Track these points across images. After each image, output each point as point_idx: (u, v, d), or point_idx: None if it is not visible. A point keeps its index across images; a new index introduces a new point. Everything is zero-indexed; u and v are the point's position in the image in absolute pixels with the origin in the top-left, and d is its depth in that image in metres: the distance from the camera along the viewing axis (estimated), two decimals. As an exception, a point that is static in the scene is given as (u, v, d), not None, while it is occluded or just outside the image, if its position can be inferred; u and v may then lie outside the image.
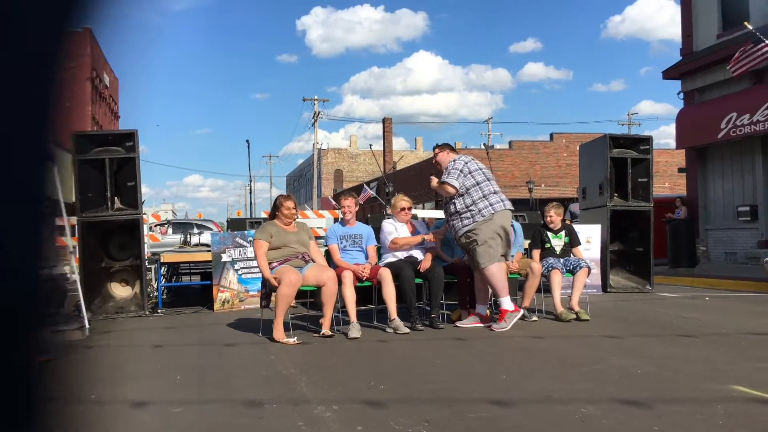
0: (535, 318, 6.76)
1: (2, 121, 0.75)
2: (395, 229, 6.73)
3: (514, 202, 6.97)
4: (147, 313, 8.06)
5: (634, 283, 9.99)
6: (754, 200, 14.46)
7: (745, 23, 12.29)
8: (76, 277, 7.07)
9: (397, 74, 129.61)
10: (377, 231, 6.88)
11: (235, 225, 11.09)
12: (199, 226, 21.74)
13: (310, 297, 6.72)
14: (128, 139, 8.13)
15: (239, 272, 8.54)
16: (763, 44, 11.35)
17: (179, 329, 7.02)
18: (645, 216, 9.94)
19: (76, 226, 7.75)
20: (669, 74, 16.80)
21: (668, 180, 33.43)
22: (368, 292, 6.84)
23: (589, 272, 7.04)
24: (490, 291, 6.42)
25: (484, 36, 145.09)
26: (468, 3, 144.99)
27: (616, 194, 10.05)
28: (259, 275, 6.20)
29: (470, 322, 6.34)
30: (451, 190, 6.26)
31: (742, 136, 14.06)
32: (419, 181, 31.96)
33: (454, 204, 6.27)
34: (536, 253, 7.18)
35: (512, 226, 7.28)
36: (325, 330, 5.87)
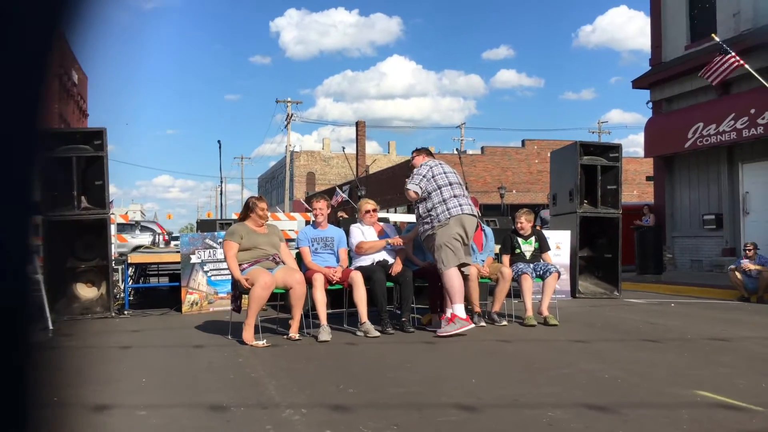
0: (504, 323, 6.80)
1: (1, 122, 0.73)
2: (362, 233, 6.72)
3: (485, 207, 7.03)
4: (113, 314, 7.92)
5: (603, 289, 10.12)
6: (719, 209, 14.76)
7: (713, 35, 12.53)
8: (40, 277, 6.91)
9: (370, 78, 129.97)
10: (349, 234, 6.86)
11: (206, 226, 10.98)
12: (143, 228, 21.47)
13: (280, 300, 6.67)
14: (96, 137, 7.99)
15: (208, 274, 8.44)
16: (729, 55, 11.58)
17: (146, 331, 6.91)
18: (614, 223, 10.08)
19: (40, 226, 7.58)
20: (638, 84, 17.07)
21: (636, 188, 33.97)
22: (339, 295, 6.82)
23: (558, 277, 7.10)
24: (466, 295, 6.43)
25: (458, 42, 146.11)
26: (442, 9, 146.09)
27: (585, 201, 10.18)
28: (229, 277, 6.14)
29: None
30: (411, 195, 6.30)
31: (708, 146, 14.34)
32: (392, 185, 32.00)
33: (418, 208, 6.32)
34: (506, 258, 7.23)
35: (483, 230, 7.34)
36: (293, 334, 5.83)
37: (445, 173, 6.29)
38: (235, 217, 10.57)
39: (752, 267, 9.22)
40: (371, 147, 68.04)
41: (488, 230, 7.51)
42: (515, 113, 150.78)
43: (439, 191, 6.16)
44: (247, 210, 6.18)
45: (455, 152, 29.56)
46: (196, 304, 8.38)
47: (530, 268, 7.01)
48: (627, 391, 3.84)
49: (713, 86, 14.38)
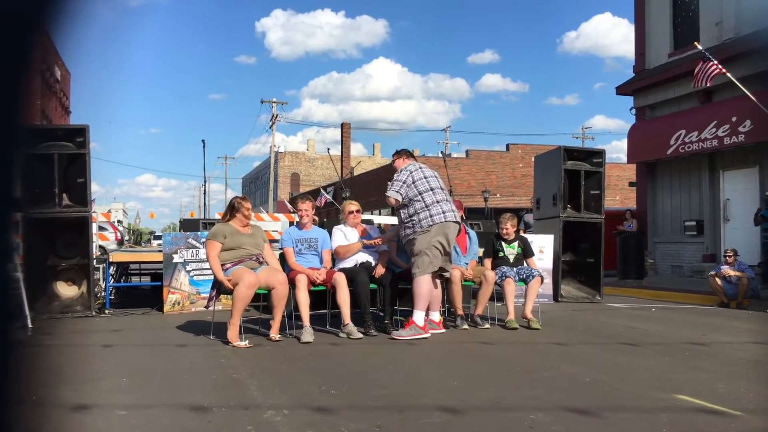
0: (487, 326, 6.82)
1: None
2: (344, 235, 6.71)
3: (469, 210, 7.01)
4: (94, 313, 7.85)
5: (585, 293, 10.18)
6: (700, 215, 14.92)
7: (696, 43, 12.68)
8: (19, 275, 6.83)
9: (356, 80, 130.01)
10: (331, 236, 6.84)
11: (189, 226, 10.91)
12: (99, 228, 21.29)
13: (262, 300, 6.64)
14: (79, 134, 7.92)
15: (191, 274, 8.39)
16: (711, 62, 11.72)
17: (127, 330, 6.85)
18: (596, 228, 10.15)
19: (20, 223, 7.49)
20: (622, 90, 17.22)
21: (619, 193, 34.24)
22: (322, 297, 6.80)
23: (542, 281, 7.13)
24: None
25: (444, 45, 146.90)
26: (428, 12, 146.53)
27: (569, 206, 10.24)
28: (211, 277, 6.10)
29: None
30: (391, 201, 6.25)
31: (690, 153, 14.50)
32: (376, 187, 32.01)
33: (400, 213, 6.27)
34: (488, 261, 7.26)
35: (467, 234, 7.35)
36: (274, 334, 5.81)
37: (425, 178, 6.19)
38: (218, 216, 10.52)
39: (732, 273, 9.32)
40: (356, 149, 68.10)
41: (472, 233, 7.54)
42: (500, 117, 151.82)
43: (420, 197, 6.08)
44: (232, 210, 6.15)
45: (440, 155, 29.68)
46: (178, 303, 8.33)
47: (513, 271, 7.03)
48: (608, 395, 3.86)
49: (696, 94, 14.56)
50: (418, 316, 6.00)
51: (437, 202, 6.09)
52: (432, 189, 6.14)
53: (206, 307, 6.07)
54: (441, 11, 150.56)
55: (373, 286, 6.52)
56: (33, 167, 7.63)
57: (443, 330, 6.39)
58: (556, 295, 9.92)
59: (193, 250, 8.40)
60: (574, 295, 10.13)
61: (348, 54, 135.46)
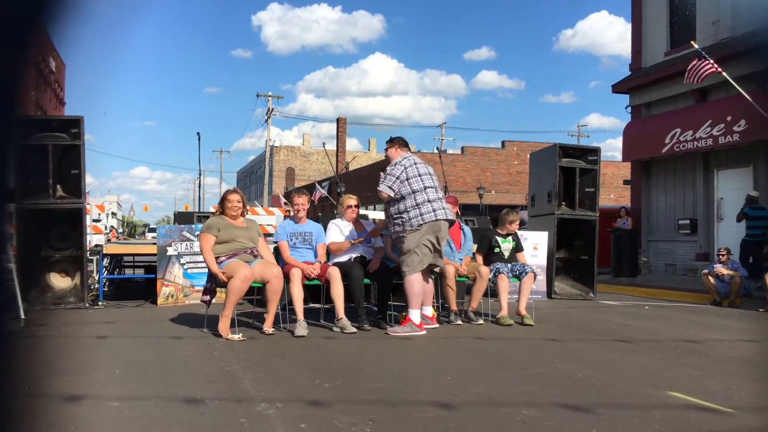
0: (481, 321, 6.83)
1: None
2: (339, 230, 6.71)
3: (464, 207, 6.98)
4: (87, 305, 7.83)
5: (578, 290, 10.21)
6: (694, 214, 14.98)
7: (692, 42, 12.71)
8: (12, 266, 6.80)
9: (352, 75, 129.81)
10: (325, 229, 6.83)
11: (183, 219, 10.89)
12: None
13: (257, 294, 6.64)
14: (73, 125, 7.89)
15: (185, 266, 8.37)
16: (707, 61, 11.76)
17: (120, 323, 6.83)
18: (591, 225, 10.17)
19: (14, 214, 7.46)
20: (618, 88, 17.24)
21: (614, 191, 34.36)
22: (316, 291, 6.80)
23: (535, 278, 7.15)
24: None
25: (440, 42, 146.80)
26: (425, 8, 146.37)
27: (563, 203, 10.25)
28: (205, 270, 6.09)
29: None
30: (383, 195, 6.19)
31: (685, 152, 14.54)
32: (372, 182, 31.98)
33: (389, 208, 6.22)
34: (480, 257, 7.27)
35: (462, 230, 7.36)
36: (267, 328, 5.81)
37: (419, 176, 6.10)
38: (213, 209, 10.51)
39: (725, 272, 9.36)
40: (352, 144, 68.09)
41: (467, 229, 7.54)
42: (495, 114, 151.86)
43: (412, 195, 6.02)
44: (223, 203, 6.16)
45: (435, 151, 29.66)
46: (172, 296, 8.31)
47: (507, 267, 7.05)
48: (601, 391, 3.87)
49: (691, 93, 14.60)
50: (414, 315, 6.00)
51: (428, 201, 6.03)
52: (425, 188, 6.07)
53: (205, 304, 6.04)
54: (437, 7, 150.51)
55: (367, 280, 6.52)
56: (27, 158, 7.59)
57: (436, 325, 6.40)
58: (550, 292, 9.94)
59: (188, 243, 8.38)
60: (568, 292, 10.16)
61: (344, 49, 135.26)
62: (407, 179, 6.07)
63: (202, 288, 7.88)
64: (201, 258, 6.28)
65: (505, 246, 7.27)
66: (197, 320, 6.41)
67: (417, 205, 6.00)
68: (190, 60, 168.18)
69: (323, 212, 24.86)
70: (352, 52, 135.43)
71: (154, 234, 12.27)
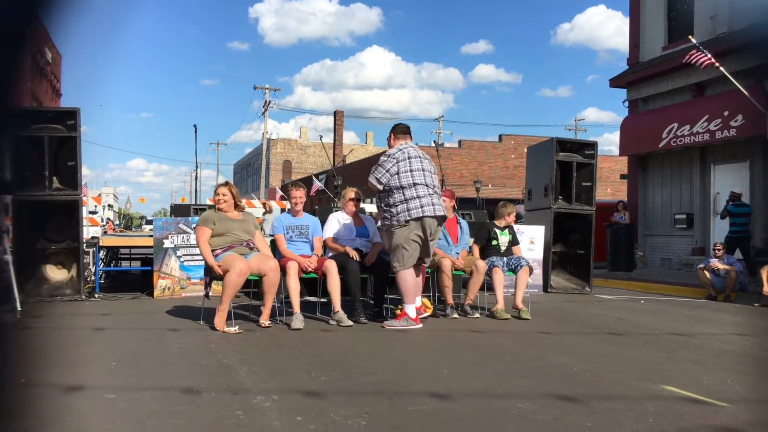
0: (477, 315, 6.84)
1: None
2: (339, 223, 6.71)
3: (461, 200, 6.94)
4: (83, 297, 7.83)
5: (574, 284, 10.24)
6: (690, 209, 15.00)
7: (690, 37, 12.70)
8: (9, 257, 6.79)
9: (349, 68, 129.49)
10: (324, 223, 6.83)
11: (179, 211, 10.87)
12: None
13: (253, 287, 6.64)
14: (69, 117, 7.86)
15: (181, 259, 8.37)
16: (705, 55, 11.76)
17: (116, 315, 6.83)
18: (587, 219, 10.19)
19: (10, 205, 7.44)
20: (615, 82, 17.23)
21: (610, 186, 34.38)
22: (313, 284, 6.80)
23: (531, 271, 7.17)
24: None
25: (437, 35, 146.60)
26: (422, 1, 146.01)
27: (560, 197, 10.26)
28: (202, 263, 6.09)
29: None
30: (372, 187, 6.18)
31: (682, 147, 14.55)
32: (368, 176, 31.94)
33: (380, 198, 6.22)
34: (477, 248, 7.29)
35: (458, 223, 7.36)
36: (264, 321, 5.81)
37: (410, 171, 6.00)
38: (209, 202, 10.49)
39: (721, 266, 9.39)
40: (349, 137, 68.01)
41: (464, 223, 7.54)
42: (493, 108, 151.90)
43: (401, 190, 5.98)
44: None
45: (433, 145, 29.66)
46: (168, 289, 8.31)
47: (502, 261, 7.07)
48: (595, 384, 3.89)
49: (688, 88, 14.61)
50: (410, 309, 6.01)
51: (417, 197, 5.95)
52: (415, 184, 5.98)
53: (206, 296, 6.04)
54: (435, 0, 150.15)
55: (363, 274, 6.52)
56: (23, 150, 7.57)
57: (426, 314, 6.43)
58: (546, 286, 9.96)
59: (184, 236, 8.37)
60: (564, 286, 10.19)
61: (341, 42, 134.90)
62: (398, 173, 6.01)
63: (198, 281, 7.90)
64: (197, 250, 6.29)
65: (503, 239, 7.30)
66: (194, 312, 6.41)
67: (405, 200, 5.96)
68: (187, 52, 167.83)
69: (320, 205, 24.84)
70: (349, 45, 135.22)
71: (152, 226, 12.25)
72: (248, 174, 71.67)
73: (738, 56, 12.40)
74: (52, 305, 7.38)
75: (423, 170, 6.09)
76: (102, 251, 9.47)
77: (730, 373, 4.35)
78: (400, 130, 6.43)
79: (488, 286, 7.23)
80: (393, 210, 6.02)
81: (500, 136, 37.56)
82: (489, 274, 6.98)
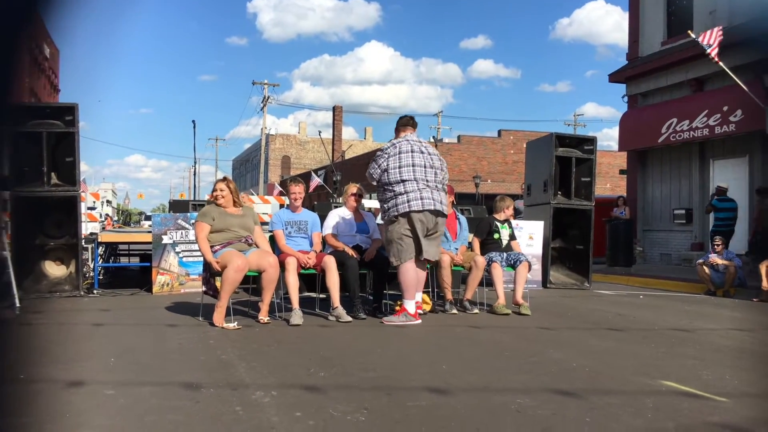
0: (476, 310, 6.84)
1: None
2: (339, 218, 6.71)
3: (460, 196, 6.91)
4: (82, 293, 7.83)
5: (573, 279, 10.24)
6: (689, 204, 15.00)
7: (689, 32, 12.68)
8: (7, 254, 6.78)
9: (348, 63, 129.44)
10: (323, 219, 6.83)
11: (178, 207, 10.87)
12: None
13: (252, 282, 6.64)
14: (68, 113, 7.84)
15: (180, 255, 8.36)
16: (707, 51, 11.76)
17: (115, 311, 6.83)
18: (586, 215, 10.18)
19: (9, 201, 7.43)
20: (615, 77, 17.21)
21: (609, 181, 34.39)
22: (312, 280, 6.80)
23: (529, 267, 7.17)
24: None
25: (436, 30, 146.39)
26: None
27: (559, 192, 10.26)
28: (201, 258, 6.09)
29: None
30: (369, 179, 6.24)
31: (681, 142, 14.55)
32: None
33: (378, 194, 6.27)
34: (477, 242, 7.29)
35: (457, 219, 7.35)
36: (262, 317, 5.81)
37: (399, 168, 5.97)
38: (208, 198, 10.48)
39: (720, 262, 9.40)
40: (348, 132, 67.83)
41: (462, 219, 7.54)
42: (492, 103, 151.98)
43: (391, 186, 6.01)
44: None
45: (432, 140, 29.63)
46: (167, 284, 8.30)
47: (501, 257, 7.07)
48: (594, 380, 3.89)
49: (687, 83, 14.60)
50: (409, 305, 6.01)
51: (405, 192, 5.94)
52: (403, 180, 5.95)
53: (205, 293, 6.04)
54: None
55: (362, 270, 6.52)
56: (21, 145, 7.55)
57: (421, 310, 6.45)
58: (545, 282, 9.96)
59: (183, 231, 8.36)
60: (563, 281, 10.19)
61: (340, 37, 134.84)
62: (387, 169, 6.03)
63: (197, 276, 7.90)
64: (196, 246, 6.27)
65: (504, 232, 7.31)
66: (193, 308, 6.41)
67: (395, 195, 5.99)
68: (186, 47, 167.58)
69: (319, 201, 24.84)
70: (347, 40, 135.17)
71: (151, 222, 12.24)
72: (247, 170, 71.62)
73: (737, 51, 12.38)
74: (50, 301, 7.38)
75: (413, 165, 6.02)
76: (101, 247, 9.46)
77: (729, 368, 4.35)
78: (401, 122, 6.42)
79: (487, 282, 7.23)
80: (385, 206, 6.10)
81: (499, 132, 37.54)
82: (488, 269, 6.98)
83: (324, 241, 6.61)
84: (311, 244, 6.49)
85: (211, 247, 5.78)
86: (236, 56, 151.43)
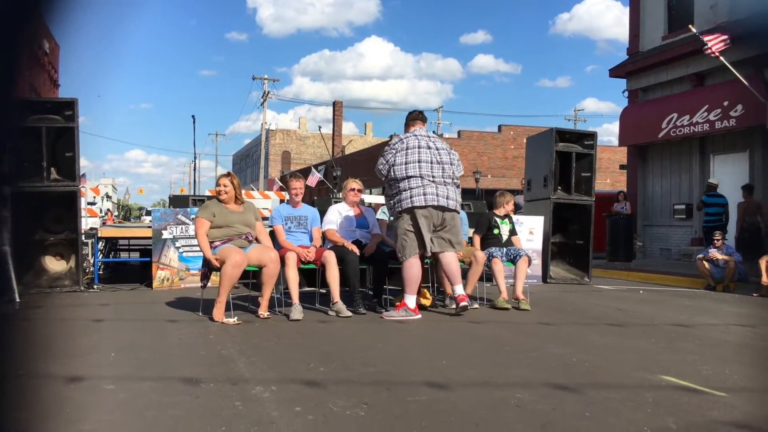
0: (476, 306, 6.84)
1: None
2: (339, 214, 6.70)
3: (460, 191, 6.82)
4: (82, 288, 7.83)
5: (573, 275, 10.24)
6: (689, 199, 14.99)
7: (690, 26, 12.65)
8: (8, 249, 6.78)
9: (348, 58, 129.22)
10: (323, 214, 6.83)
11: (178, 202, 10.86)
12: None
13: (252, 278, 6.64)
14: (67, 108, 7.83)
15: (180, 250, 8.36)
16: (706, 47, 11.73)
17: (115, 306, 6.83)
18: (586, 210, 10.18)
19: (9, 197, 7.42)
20: (615, 72, 17.18)
21: (610, 176, 34.36)
22: (312, 275, 6.80)
23: (529, 262, 7.17)
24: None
25: (436, 25, 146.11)
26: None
27: (559, 187, 10.25)
28: (201, 254, 6.09)
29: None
30: (377, 174, 6.30)
31: (682, 137, 14.53)
32: (368, 166, 31.90)
33: (385, 189, 6.32)
34: (477, 238, 7.29)
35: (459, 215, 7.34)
36: (262, 312, 5.81)
37: (405, 164, 5.98)
38: (209, 193, 10.47)
39: (719, 257, 9.39)
40: (348, 128, 67.85)
41: (462, 214, 7.52)
42: (492, 98, 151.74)
43: (396, 183, 6.05)
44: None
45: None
46: (167, 280, 8.31)
47: (501, 252, 7.07)
48: (594, 374, 3.90)
49: (688, 78, 14.57)
50: (409, 300, 6.01)
51: (409, 188, 5.96)
52: (408, 177, 5.96)
53: (202, 287, 6.05)
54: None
55: (363, 265, 6.52)
56: (21, 140, 7.53)
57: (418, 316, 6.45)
58: (545, 277, 9.97)
59: (183, 227, 8.36)
60: (563, 276, 10.19)
61: (340, 32, 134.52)
62: (393, 165, 6.06)
63: (197, 272, 7.90)
64: (196, 241, 6.27)
65: (504, 228, 7.31)
66: (193, 304, 6.41)
67: (400, 191, 6.02)
68: (185, 42, 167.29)
69: (319, 196, 24.83)
70: (347, 36, 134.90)
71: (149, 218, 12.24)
72: (247, 165, 71.57)
73: (738, 46, 12.35)
74: (50, 296, 7.38)
75: (419, 162, 6.02)
76: (101, 242, 9.46)
77: (729, 363, 4.36)
78: (411, 117, 6.45)
79: (487, 277, 7.23)
80: (390, 202, 6.15)
81: (499, 127, 37.48)
82: (488, 264, 6.98)
83: (324, 237, 6.61)
84: (311, 239, 6.49)
85: (211, 243, 5.78)
86: (236, 51, 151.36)
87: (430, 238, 6.03)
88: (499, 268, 6.91)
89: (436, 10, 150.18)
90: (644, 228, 16.25)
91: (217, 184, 6.10)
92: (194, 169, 40.94)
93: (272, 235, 6.49)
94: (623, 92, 17.08)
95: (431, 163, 6.08)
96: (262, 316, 5.77)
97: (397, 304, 6.15)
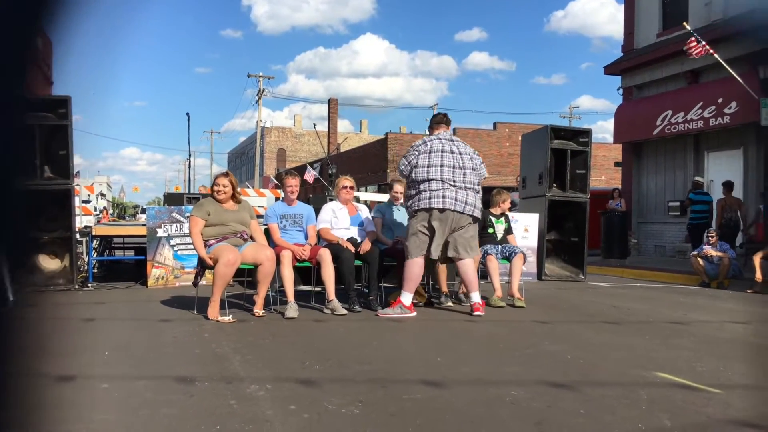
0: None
1: None
2: (333, 212, 6.69)
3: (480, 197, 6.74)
4: (76, 287, 7.80)
5: (568, 272, 10.25)
6: (684, 196, 14.98)
7: (684, 24, 12.67)
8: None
9: (343, 56, 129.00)
10: (318, 212, 6.81)
11: (173, 200, 10.83)
12: None
13: (247, 276, 6.62)
14: (60, 105, 7.78)
15: (175, 248, 8.34)
16: (698, 44, 11.75)
17: (110, 304, 6.81)
18: (581, 207, 10.19)
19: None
20: (610, 70, 17.20)
21: (605, 173, 34.41)
22: (307, 273, 6.79)
23: (525, 259, 7.17)
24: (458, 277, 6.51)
25: (431, 22, 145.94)
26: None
27: (554, 185, 10.26)
28: (196, 252, 6.07)
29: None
30: (399, 175, 6.48)
31: (676, 134, 14.56)
32: (363, 164, 31.93)
33: (406, 189, 6.48)
34: (474, 237, 7.29)
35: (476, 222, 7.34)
36: (257, 310, 5.80)
37: (428, 167, 6.02)
38: (201, 191, 10.43)
39: (714, 253, 9.42)
40: (343, 125, 67.56)
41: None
42: (487, 96, 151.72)
43: (416, 184, 6.11)
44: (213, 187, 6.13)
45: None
46: (162, 278, 8.28)
47: (496, 249, 7.07)
48: (589, 372, 3.90)
49: (683, 75, 14.60)
50: (406, 297, 6.02)
51: (429, 189, 6.02)
52: (429, 180, 6.01)
53: (194, 284, 6.04)
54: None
55: (357, 262, 6.51)
56: (14, 138, 7.49)
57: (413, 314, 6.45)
58: (540, 274, 9.98)
59: (177, 225, 8.33)
60: (558, 273, 10.20)
61: (335, 29, 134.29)
62: (415, 166, 6.12)
63: (192, 270, 7.87)
64: (191, 240, 6.25)
65: (499, 227, 7.31)
66: (187, 302, 6.40)
67: (419, 192, 6.08)
68: (180, 40, 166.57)
69: (314, 194, 24.81)
70: (342, 33, 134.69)
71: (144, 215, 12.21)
72: (242, 162, 71.44)
73: (732, 43, 12.39)
74: (45, 295, 7.34)
75: (441, 166, 6.06)
76: (95, 240, 9.43)
77: (723, 359, 4.37)
78: (435, 120, 6.56)
79: (482, 275, 7.23)
80: (409, 201, 6.23)
81: (495, 124, 37.47)
82: (483, 262, 6.98)
83: (319, 235, 6.60)
84: (306, 237, 6.47)
85: (206, 241, 5.76)
86: (231, 49, 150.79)
87: (443, 244, 6.08)
88: (494, 265, 6.91)
89: (431, 7, 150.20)
90: (639, 225, 16.28)
91: (215, 184, 6.07)
92: (189, 167, 40.82)
93: (267, 233, 6.47)
94: (618, 89, 17.11)
95: (453, 167, 6.10)
96: (257, 314, 5.76)
97: (393, 301, 6.15)
